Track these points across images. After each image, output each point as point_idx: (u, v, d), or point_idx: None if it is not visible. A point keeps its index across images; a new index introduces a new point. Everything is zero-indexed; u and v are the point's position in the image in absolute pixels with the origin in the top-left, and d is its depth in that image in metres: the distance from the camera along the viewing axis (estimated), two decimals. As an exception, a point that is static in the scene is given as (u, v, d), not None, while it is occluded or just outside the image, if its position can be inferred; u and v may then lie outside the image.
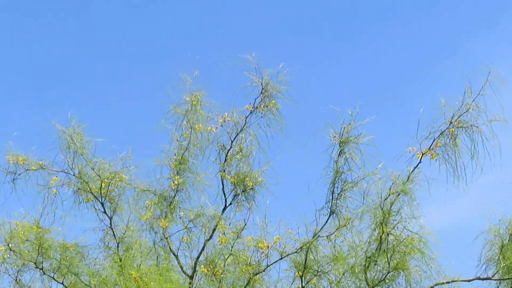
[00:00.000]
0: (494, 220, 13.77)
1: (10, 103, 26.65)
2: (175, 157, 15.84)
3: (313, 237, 13.23)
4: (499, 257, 13.67)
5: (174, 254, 15.55)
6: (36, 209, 14.62)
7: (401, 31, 31.15)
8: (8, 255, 13.70)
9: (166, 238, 15.66)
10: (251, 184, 15.40)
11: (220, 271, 13.10)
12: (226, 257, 13.12)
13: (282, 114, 15.23)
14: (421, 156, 13.60)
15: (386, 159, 13.57)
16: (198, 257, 15.35)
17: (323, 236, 12.90)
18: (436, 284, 13.33)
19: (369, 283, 12.73)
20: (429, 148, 13.58)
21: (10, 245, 13.61)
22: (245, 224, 13.52)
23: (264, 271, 12.79)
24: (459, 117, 13.49)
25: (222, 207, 15.54)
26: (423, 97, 22.66)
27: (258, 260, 12.81)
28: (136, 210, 15.42)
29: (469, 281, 13.96)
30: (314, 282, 13.24)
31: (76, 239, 14.70)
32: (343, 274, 13.28)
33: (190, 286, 14.93)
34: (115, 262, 14.55)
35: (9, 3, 30.66)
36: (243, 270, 12.86)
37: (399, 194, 12.93)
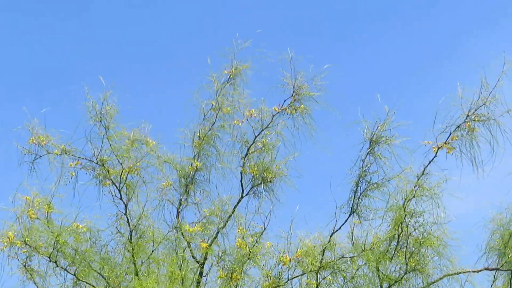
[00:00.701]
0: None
1: (10, 103, 26.58)
2: (198, 134, 15.98)
3: (331, 235, 13.27)
4: (500, 247, 13.83)
5: (186, 241, 15.70)
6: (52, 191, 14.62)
7: (401, 31, 31.42)
8: (23, 247, 13.66)
9: (179, 225, 15.85)
10: (270, 176, 15.44)
11: (238, 276, 13.02)
12: (243, 262, 13.07)
13: (313, 119, 15.19)
14: (437, 150, 13.62)
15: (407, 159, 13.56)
16: (210, 245, 15.51)
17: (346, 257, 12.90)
18: (445, 276, 13.39)
19: (386, 281, 12.83)
20: (445, 142, 13.62)
21: (26, 240, 13.57)
22: (264, 228, 13.34)
23: (284, 284, 12.77)
24: (475, 110, 13.50)
25: (239, 198, 15.62)
26: (424, 97, 22.82)
27: (279, 272, 12.75)
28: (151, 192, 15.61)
29: (478, 271, 14.17)
30: (329, 279, 13.32)
31: (89, 224, 14.61)
32: (357, 269, 13.38)
33: (201, 272, 15.12)
34: (128, 251, 14.77)
35: (9, 3, 30.75)
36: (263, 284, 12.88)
37: (417, 190, 13.01)
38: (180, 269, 14.15)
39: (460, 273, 13.55)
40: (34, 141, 14.89)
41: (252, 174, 15.53)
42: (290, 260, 12.77)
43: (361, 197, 13.65)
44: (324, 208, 13.95)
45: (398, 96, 26.00)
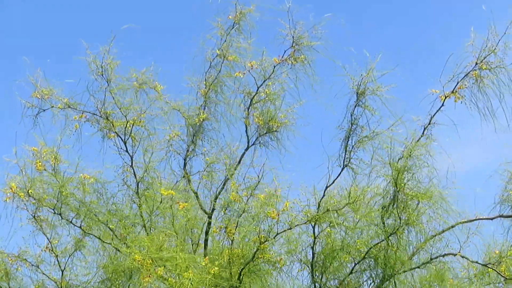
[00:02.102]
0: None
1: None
2: (205, 82, 16.05)
3: (325, 189, 13.23)
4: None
5: (193, 192, 15.92)
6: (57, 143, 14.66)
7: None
8: (27, 198, 13.99)
9: (186, 175, 16.05)
10: (276, 125, 15.48)
11: (232, 231, 13.13)
12: (238, 216, 13.17)
13: (314, 69, 15.09)
14: (444, 99, 13.42)
15: (405, 110, 13.34)
16: (217, 195, 15.72)
17: (334, 210, 12.80)
18: (458, 223, 13.37)
19: (384, 231, 12.79)
20: (453, 91, 13.32)
21: (29, 191, 13.78)
22: (258, 182, 13.32)
23: (273, 239, 12.80)
24: (484, 58, 13.15)
25: (245, 148, 15.74)
26: (431, 47, 22.00)
27: (268, 226, 12.76)
28: (157, 144, 15.79)
29: (491, 219, 13.99)
30: (328, 230, 13.36)
31: (96, 174, 14.77)
32: (357, 222, 13.36)
33: (209, 222, 15.35)
34: (135, 203, 15.06)
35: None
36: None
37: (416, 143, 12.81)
38: (187, 220, 14.28)
39: (474, 220, 13.58)
40: (38, 95, 15.08)
41: (257, 124, 15.57)
42: (277, 214, 12.70)
43: (352, 150, 13.46)
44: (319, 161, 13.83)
45: (404, 44, 25.16)
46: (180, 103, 16.04)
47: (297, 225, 12.83)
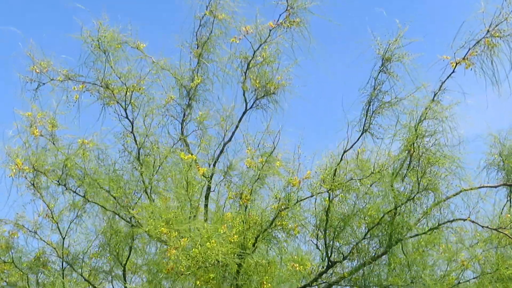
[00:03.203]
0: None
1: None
2: (196, 42, 16.08)
3: (343, 153, 13.42)
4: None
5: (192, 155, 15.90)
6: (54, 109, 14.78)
7: None
8: (31, 171, 13.87)
9: (184, 139, 16.07)
10: (273, 87, 15.56)
11: (247, 197, 13.16)
12: (253, 184, 13.21)
13: (310, 32, 15.14)
14: (455, 65, 13.55)
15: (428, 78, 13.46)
16: (216, 160, 15.92)
17: (355, 179, 13.03)
18: (462, 191, 13.53)
19: (397, 199, 13.07)
20: (464, 58, 13.53)
21: (34, 165, 13.76)
22: (274, 148, 13.33)
23: (293, 206, 12.88)
24: (496, 26, 13.33)
25: (243, 110, 15.88)
26: (442, 13, 22.10)
27: (288, 193, 12.90)
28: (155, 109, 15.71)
29: (495, 187, 14.47)
30: (342, 195, 13.59)
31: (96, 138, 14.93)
32: (371, 185, 13.61)
33: (209, 185, 15.44)
34: (136, 169, 15.05)
35: None
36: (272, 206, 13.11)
37: (430, 110, 13.04)
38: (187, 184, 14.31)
39: (477, 188, 13.78)
40: (36, 69, 14.85)
41: (255, 87, 15.66)
42: (299, 182, 12.85)
43: (373, 115, 13.65)
44: (335, 127, 13.98)
45: (410, 11, 25.22)
46: (168, 63, 16.00)
47: (319, 193, 13.00)
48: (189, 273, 11.95)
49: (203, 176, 14.02)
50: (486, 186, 14.15)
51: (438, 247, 14.71)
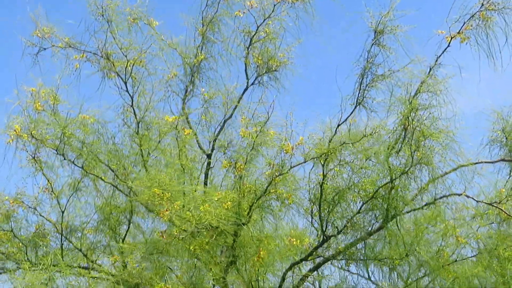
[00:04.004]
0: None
1: None
2: (202, 21, 16.39)
3: (337, 126, 13.68)
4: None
5: (193, 133, 16.24)
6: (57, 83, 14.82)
7: None
8: (30, 140, 14.17)
9: (185, 115, 16.38)
10: (275, 64, 15.89)
11: (242, 165, 13.41)
12: (247, 152, 13.47)
13: (313, 8, 15.36)
14: (450, 40, 13.77)
15: (423, 51, 13.71)
16: (217, 135, 16.18)
17: (348, 143, 13.29)
18: (460, 166, 13.78)
19: (392, 173, 13.27)
20: (459, 32, 13.74)
21: (32, 132, 14.00)
22: (268, 118, 13.48)
23: (287, 172, 13.15)
24: (490, -1, 13.57)
25: (244, 87, 16.18)
26: None
27: (281, 160, 13.15)
28: (157, 84, 16.09)
29: (493, 162, 14.60)
30: (336, 169, 13.83)
31: (96, 114, 15.10)
32: (366, 159, 13.83)
33: (208, 163, 15.74)
34: (135, 142, 15.36)
35: None
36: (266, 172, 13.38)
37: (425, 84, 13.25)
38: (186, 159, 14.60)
39: (475, 164, 13.95)
40: (38, 33, 15.21)
41: (257, 64, 15.99)
42: (292, 148, 13.11)
43: (367, 88, 13.89)
44: (330, 100, 14.23)
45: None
46: (176, 41, 16.32)
47: (312, 158, 13.23)
48: (183, 237, 12.12)
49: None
50: (484, 162, 14.27)
51: (440, 223, 14.69)
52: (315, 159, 13.36)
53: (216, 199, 12.50)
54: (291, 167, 13.13)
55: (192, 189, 12.62)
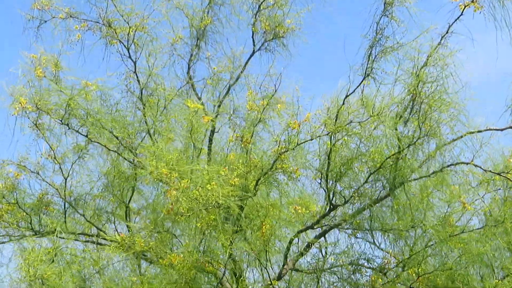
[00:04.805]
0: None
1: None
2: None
3: (345, 97, 13.58)
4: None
5: (198, 97, 16.20)
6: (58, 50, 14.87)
7: None
8: (34, 110, 14.10)
9: (190, 80, 16.26)
10: (283, 30, 15.81)
11: (248, 140, 13.43)
12: (254, 126, 13.39)
13: None
14: (464, 8, 13.53)
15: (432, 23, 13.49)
16: (221, 101, 16.25)
17: (356, 122, 13.23)
18: (467, 133, 13.76)
19: (400, 141, 13.25)
20: (473, 0, 13.47)
21: (37, 104, 13.97)
22: (275, 91, 13.55)
23: (293, 149, 13.20)
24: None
25: (250, 53, 16.13)
26: None
27: (288, 136, 13.15)
28: (160, 49, 15.92)
29: (501, 130, 14.52)
30: (344, 139, 13.83)
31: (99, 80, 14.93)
32: (374, 129, 13.80)
33: (213, 127, 15.71)
34: (139, 109, 15.30)
35: None
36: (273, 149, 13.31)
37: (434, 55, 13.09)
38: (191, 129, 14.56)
39: (483, 131, 13.89)
40: (38, 6, 15.09)
41: (264, 30, 15.94)
42: (299, 125, 13.06)
43: (375, 60, 13.77)
44: (338, 69, 14.13)
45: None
46: (183, 3, 16.32)
47: (319, 136, 13.22)
48: (189, 215, 12.18)
49: (208, 122, 14.14)
50: (492, 129, 14.15)
51: (445, 188, 14.75)
52: (320, 137, 13.31)
53: (223, 174, 12.46)
54: (297, 144, 13.10)
55: (200, 167, 12.55)
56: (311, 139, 13.33)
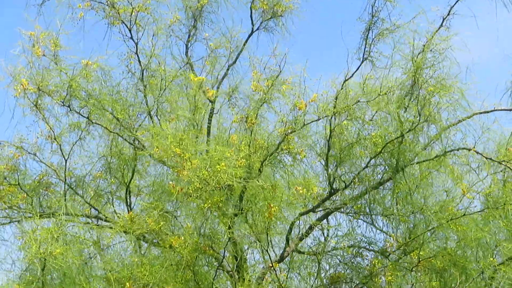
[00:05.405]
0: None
1: None
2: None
3: (344, 82, 13.71)
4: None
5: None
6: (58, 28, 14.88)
7: None
8: (35, 91, 14.13)
9: (189, 60, 16.31)
10: (281, 9, 15.91)
11: (253, 121, 13.54)
12: (258, 107, 13.46)
13: None
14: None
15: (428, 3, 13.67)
16: (220, 82, 16.47)
17: (363, 102, 13.40)
18: (474, 114, 13.99)
19: (402, 125, 13.41)
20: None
21: (39, 85, 14.03)
22: (280, 71, 13.63)
23: (300, 130, 13.40)
24: None
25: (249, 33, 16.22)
26: None
27: (294, 117, 13.27)
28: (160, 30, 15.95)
29: (510, 110, 14.64)
30: (344, 123, 14.02)
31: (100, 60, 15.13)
32: (376, 112, 13.95)
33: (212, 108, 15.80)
34: (139, 90, 15.34)
35: None
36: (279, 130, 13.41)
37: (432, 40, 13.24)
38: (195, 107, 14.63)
39: (490, 111, 14.09)
40: None
41: (262, 8, 16.05)
42: (305, 105, 13.16)
43: (373, 43, 13.87)
44: (335, 50, 14.27)
45: None
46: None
47: (326, 116, 13.33)
48: (198, 195, 12.26)
49: (210, 99, 14.20)
50: (500, 110, 14.27)
51: (445, 168, 14.87)
52: (326, 118, 13.40)
53: (229, 155, 12.55)
54: (304, 124, 13.21)
55: (208, 147, 12.65)
56: (318, 119, 13.44)
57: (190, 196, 12.39)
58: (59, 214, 13.62)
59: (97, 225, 14.96)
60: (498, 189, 14.73)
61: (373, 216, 15.12)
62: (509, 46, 15.69)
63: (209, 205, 12.57)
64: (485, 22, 13.96)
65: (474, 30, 13.70)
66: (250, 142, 13.31)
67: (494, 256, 14.56)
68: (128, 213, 14.80)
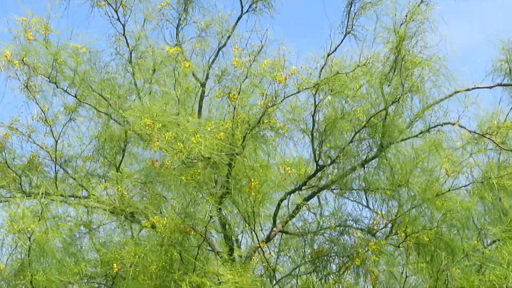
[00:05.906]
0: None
1: None
2: None
3: (327, 56, 13.83)
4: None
5: (187, 60, 16.38)
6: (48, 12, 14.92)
7: None
8: (21, 67, 14.35)
9: (179, 44, 16.50)
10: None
11: (235, 96, 13.54)
12: (241, 81, 13.54)
13: None
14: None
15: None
16: (211, 64, 16.56)
17: (342, 73, 13.44)
18: (456, 92, 14.08)
19: (386, 100, 13.44)
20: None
21: (24, 59, 14.22)
22: (261, 47, 13.52)
23: (280, 103, 13.40)
24: None
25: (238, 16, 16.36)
26: None
27: (275, 90, 13.33)
28: (150, 13, 16.16)
29: (490, 87, 14.71)
30: (329, 99, 14.04)
31: (88, 43, 15.32)
32: (359, 88, 13.99)
33: (202, 92, 15.97)
34: (128, 72, 15.55)
35: None
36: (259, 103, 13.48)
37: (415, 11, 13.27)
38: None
39: (472, 89, 14.24)
40: None
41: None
42: (285, 78, 13.23)
43: (355, 17, 13.95)
44: (322, 28, 14.35)
45: None
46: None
47: (306, 88, 13.41)
48: (174, 168, 12.37)
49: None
50: (480, 87, 14.42)
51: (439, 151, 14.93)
52: (307, 89, 13.44)
53: (209, 129, 12.65)
54: (284, 97, 13.29)
55: (185, 120, 12.77)
56: (298, 92, 13.50)
57: (167, 167, 12.55)
58: (42, 191, 13.86)
59: (85, 205, 15.15)
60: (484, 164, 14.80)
61: (359, 192, 15.20)
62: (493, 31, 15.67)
63: (187, 177, 12.70)
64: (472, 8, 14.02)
65: (460, 15, 13.84)
66: (232, 117, 13.35)
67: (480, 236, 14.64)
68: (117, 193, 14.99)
